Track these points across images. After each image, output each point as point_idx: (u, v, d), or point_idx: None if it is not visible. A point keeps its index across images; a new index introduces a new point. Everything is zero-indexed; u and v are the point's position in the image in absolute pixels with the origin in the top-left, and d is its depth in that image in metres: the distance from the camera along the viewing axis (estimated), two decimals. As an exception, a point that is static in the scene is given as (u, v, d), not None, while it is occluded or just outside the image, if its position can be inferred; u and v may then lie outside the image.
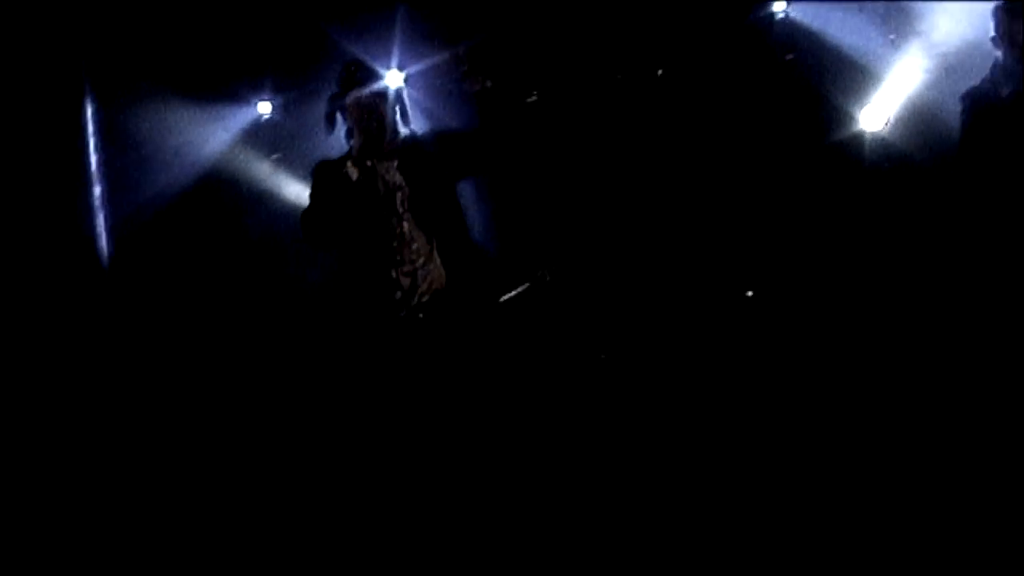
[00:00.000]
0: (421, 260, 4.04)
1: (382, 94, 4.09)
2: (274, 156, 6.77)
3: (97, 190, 6.47)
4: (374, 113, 4.04)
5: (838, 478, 4.49)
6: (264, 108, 6.91)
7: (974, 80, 4.70)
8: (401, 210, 4.04)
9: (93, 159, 6.46)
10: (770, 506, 4.35)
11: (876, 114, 6.79)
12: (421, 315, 4.01)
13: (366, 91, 4.07)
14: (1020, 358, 4.47)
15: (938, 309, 6.04)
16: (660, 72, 6.72)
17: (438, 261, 4.05)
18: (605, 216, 6.87)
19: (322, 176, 4.10)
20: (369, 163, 4.01)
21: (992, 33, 4.53)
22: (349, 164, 4.00)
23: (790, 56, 6.79)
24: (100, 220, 6.47)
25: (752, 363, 6.14)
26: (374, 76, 4.12)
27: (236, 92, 6.86)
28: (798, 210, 6.94)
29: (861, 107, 6.86)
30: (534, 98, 6.72)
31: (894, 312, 6.29)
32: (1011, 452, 4.25)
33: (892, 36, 6.55)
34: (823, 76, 6.85)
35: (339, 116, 4.12)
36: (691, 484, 4.72)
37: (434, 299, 4.05)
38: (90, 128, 6.45)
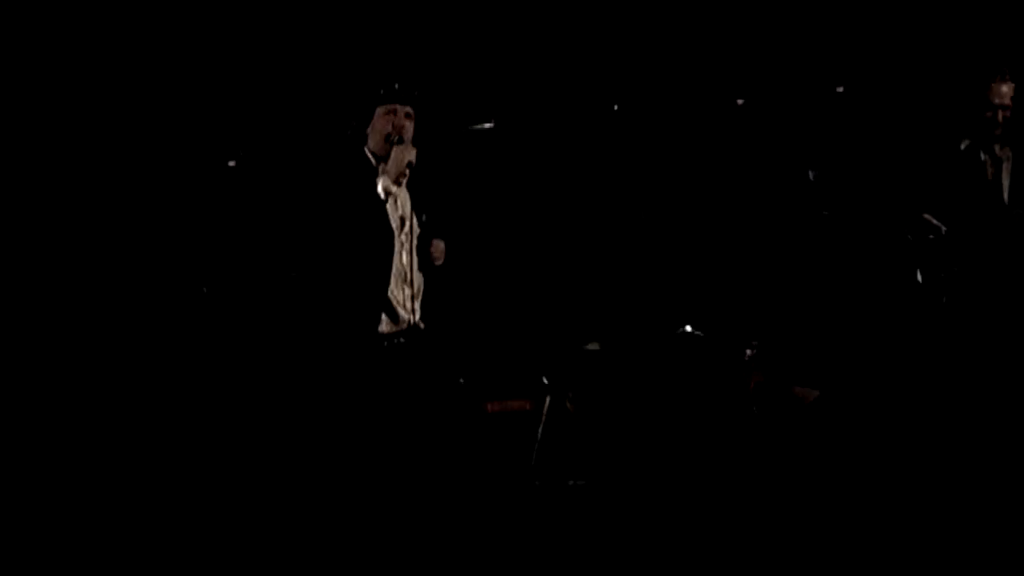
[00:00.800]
0: (414, 291, 4.08)
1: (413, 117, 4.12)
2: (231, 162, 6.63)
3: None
4: (409, 136, 4.06)
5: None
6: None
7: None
8: (405, 239, 4.06)
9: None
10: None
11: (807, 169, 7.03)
12: (402, 342, 4.05)
13: (406, 111, 4.07)
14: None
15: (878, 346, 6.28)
16: (616, 108, 6.84)
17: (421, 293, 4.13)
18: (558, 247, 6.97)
19: (345, 175, 4.04)
20: (396, 184, 4.00)
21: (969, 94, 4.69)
22: (383, 179, 3.95)
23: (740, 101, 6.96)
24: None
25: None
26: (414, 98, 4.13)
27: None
28: (743, 247, 7.14)
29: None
30: (490, 126, 6.77)
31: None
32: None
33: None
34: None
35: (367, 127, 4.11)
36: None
37: (414, 331, 4.08)
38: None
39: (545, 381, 5.81)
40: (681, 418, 5.74)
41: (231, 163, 6.57)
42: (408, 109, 4.09)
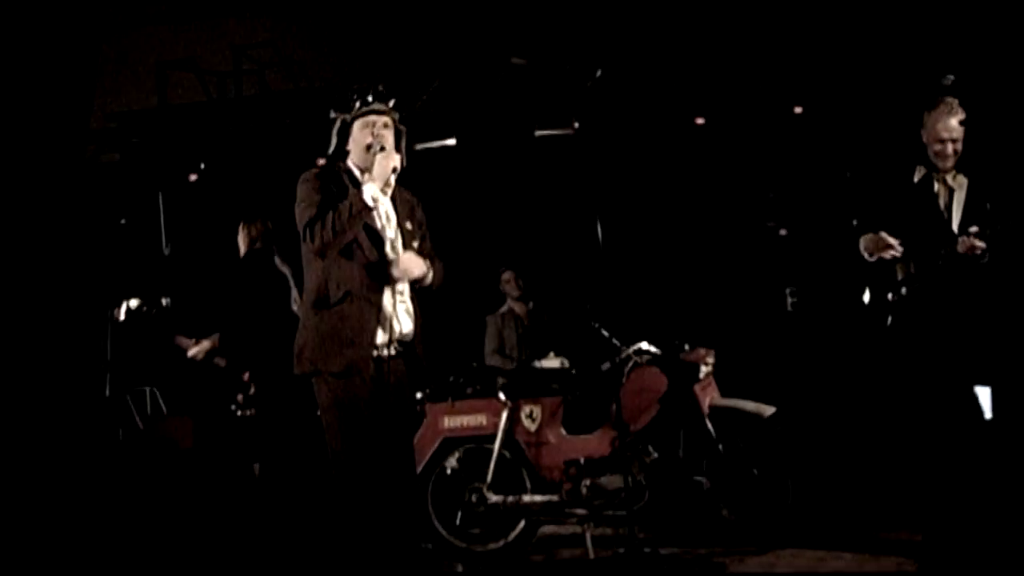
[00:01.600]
0: (406, 297, 4.09)
1: (395, 122, 4.14)
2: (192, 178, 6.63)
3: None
4: (395, 138, 4.10)
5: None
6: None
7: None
8: (391, 250, 4.05)
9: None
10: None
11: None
12: (393, 351, 4.02)
13: (388, 116, 4.10)
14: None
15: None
16: (576, 125, 6.90)
17: (412, 307, 4.13)
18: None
19: (331, 187, 4.02)
20: (382, 193, 4.01)
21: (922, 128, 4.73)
22: (370, 185, 3.95)
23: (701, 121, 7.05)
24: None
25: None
26: (391, 104, 4.15)
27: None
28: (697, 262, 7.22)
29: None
30: (452, 142, 6.80)
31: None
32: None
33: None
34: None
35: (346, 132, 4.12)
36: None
37: (405, 341, 4.08)
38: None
39: (503, 397, 5.80)
40: (640, 434, 5.73)
41: (192, 177, 6.57)
42: (385, 119, 4.09)
